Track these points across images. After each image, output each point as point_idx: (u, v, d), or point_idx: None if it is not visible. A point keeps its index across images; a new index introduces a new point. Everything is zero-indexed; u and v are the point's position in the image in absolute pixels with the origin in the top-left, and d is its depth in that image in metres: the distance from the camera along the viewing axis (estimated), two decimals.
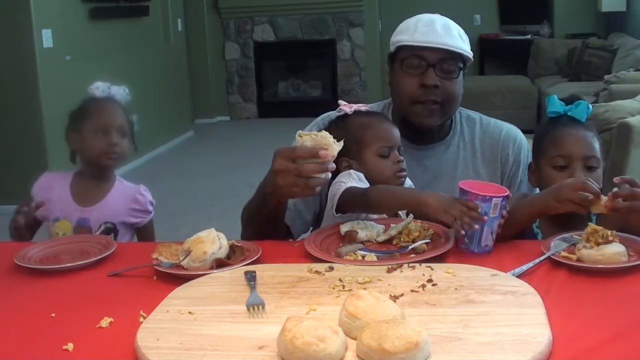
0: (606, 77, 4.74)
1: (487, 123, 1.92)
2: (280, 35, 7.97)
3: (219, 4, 7.95)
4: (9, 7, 4.67)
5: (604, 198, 1.41)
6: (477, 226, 1.41)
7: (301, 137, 1.49)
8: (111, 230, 1.90)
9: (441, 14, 1.85)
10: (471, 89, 6.31)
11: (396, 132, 1.72)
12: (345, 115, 1.74)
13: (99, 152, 1.87)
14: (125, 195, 1.94)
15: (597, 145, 1.62)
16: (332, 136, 1.48)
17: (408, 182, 1.74)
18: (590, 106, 1.66)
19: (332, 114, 1.84)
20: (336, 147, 1.47)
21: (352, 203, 1.61)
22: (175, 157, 6.72)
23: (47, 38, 4.84)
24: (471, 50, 1.83)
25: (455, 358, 1.00)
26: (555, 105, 1.66)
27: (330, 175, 1.50)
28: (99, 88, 1.91)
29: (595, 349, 1.03)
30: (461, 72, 1.79)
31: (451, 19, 1.84)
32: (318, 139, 1.47)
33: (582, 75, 6.50)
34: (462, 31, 1.81)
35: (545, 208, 1.49)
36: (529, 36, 7.81)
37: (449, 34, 1.76)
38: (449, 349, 1.02)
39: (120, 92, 1.94)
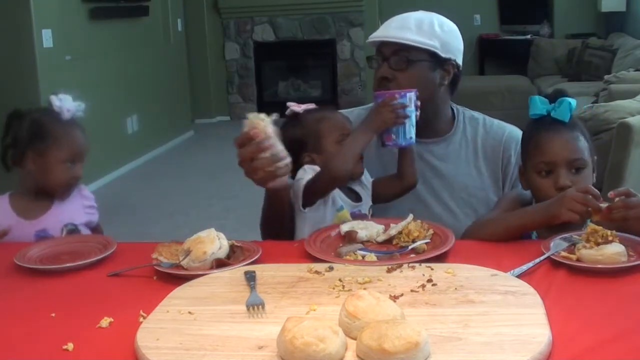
0: (606, 77, 4.74)
1: (490, 124, 1.92)
2: (280, 35, 7.98)
3: (219, 4, 7.95)
4: (9, 7, 4.67)
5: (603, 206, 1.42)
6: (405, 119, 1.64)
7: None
8: (74, 231, 1.78)
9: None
10: (471, 89, 6.34)
11: (349, 122, 1.77)
12: (297, 113, 1.77)
13: (63, 182, 1.76)
14: (72, 195, 1.82)
15: (582, 144, 1.59)
16: (262, 114, 1.54)
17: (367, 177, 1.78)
18: (573, 102, 1.60)
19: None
20: (265, 123, 1.53)
21: (312, 190, 1.66)
22: (175, 157, 6.72)
23: (47, 38, 4.84)
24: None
25: (455, 358, 1.00)
26: (536, 106, 1.62)
27: (282, 153, 1.54)
28: (70, 110, 1.75)
29: (595, 349, 1.03)
30: (419, 64, 1.77)
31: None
32: (248, 121, 1.54)
33: (582, 75, 6.49)
34: (438, 25, 1.79)
35: (548, 219, 1.48)
36: (529, 36, 7.80)
37: (400, 27, 1.78)
38: (449, 349, 1.02)
39: (78, 107, 1.78)
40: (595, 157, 1.64)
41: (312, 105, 1.79)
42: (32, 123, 1.78)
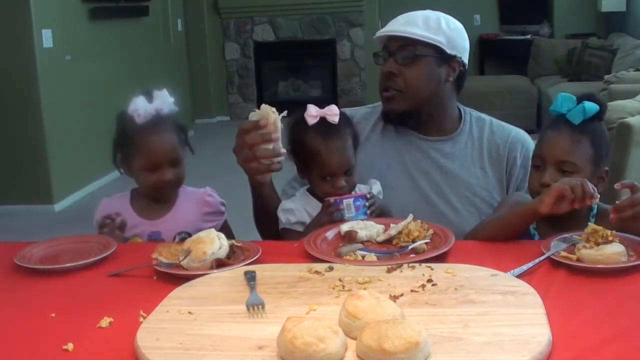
0: (606, 77, 4.74)
1: (497, 125, 1.93)
2: (280, 35, 7.97)
3: (219, 4, 7.95)
4: (9, 7, 4.67)
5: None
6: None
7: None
8: None
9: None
10: (471, 89, 6.27)
11: (342, 160, 1.70)
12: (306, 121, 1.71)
13: (151, 187, 1.75)
14: (193, 200, 1.81)
15: (583, 150, 1.57)
16: (274, 108, 1.59)
17: (377, 187, 1.78)
18: (593, 107, 1.57)
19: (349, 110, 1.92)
20: (275, 115, 1.59)
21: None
22: None
23: (47, 38, 4.84)
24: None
25: (455, 358, 1.00)
26: (557, 104, 1.62)
27: (282, 150, 1.62)
28: (141, 115, 1.68)
29: (595, 349, 1.03)
30: (425, 58, 1.78)
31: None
32: (260, 111, 1.60)
33: (582, 75, 6.49)
34: (444, 23, 1.80)
35: (534, 210, 1.49)
36: (529, 36, 7.80)
37: (407, 23, 1.80)
38: (449, 349, 1.02)
39: (165, 102, 1.72)
40: (607, 169, 1.60)
41: (329, 112, 1.70)
42: (119, 126, 1.76)
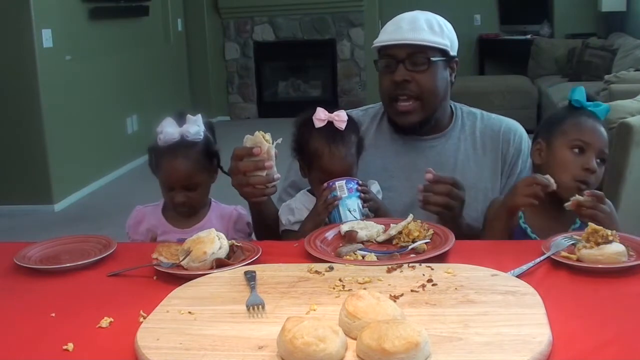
0: (606, 77, 4.73)
1: (487, 117, 1.96)
2: (280, 35, 7.97)
3: (219, 4, 7.95)
4: (9, 7, 4.67)
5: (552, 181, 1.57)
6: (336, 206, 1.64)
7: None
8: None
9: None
10: (471, 89, 6.32)
11: (343, 167, 1.71)
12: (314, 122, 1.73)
13: (169, 203, 1.80)
14: (224, 215, 1.84)
15: (607, 142, 1.70)
16: (268, 134, 1.59)
17: (376, 187, 1.79)
18: (609, 108, 1.74)
19: (353, 111, 1.91)
20: (267, 144, 1.59)
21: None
22: None
23: (47, 38, 4.84)
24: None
25: (455, 358, 1.00)
26: (581, 95, 1.71)
27: (276, 175, 1.62)
28: (162, 139, 1.72)
29: (595, 349, 1.03)
30: (437, 63, 1.79)
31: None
32: (253, 137, 1.60)
33: (582, 75, 6.49)
34: (443, 24, 1.82)
35: (509, 210, 1.62)
36: (529, 36, 7.81)
37: (414, 29, 1.78)
38: (449, 349, 1.02)
39: (192, 129, 1.72)
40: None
41: (337, 118, 1.71)
42: (151, 146, 1.80)
